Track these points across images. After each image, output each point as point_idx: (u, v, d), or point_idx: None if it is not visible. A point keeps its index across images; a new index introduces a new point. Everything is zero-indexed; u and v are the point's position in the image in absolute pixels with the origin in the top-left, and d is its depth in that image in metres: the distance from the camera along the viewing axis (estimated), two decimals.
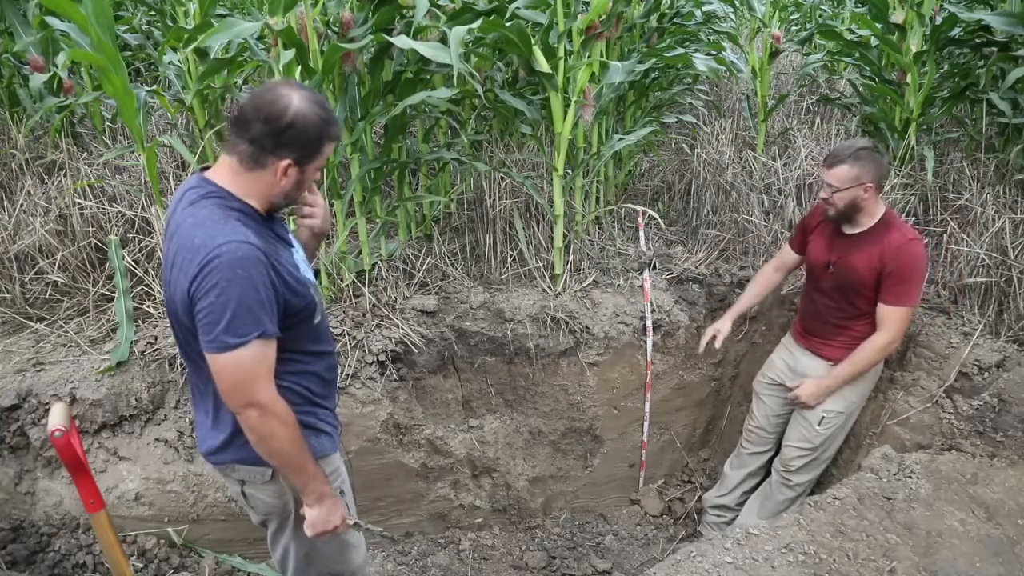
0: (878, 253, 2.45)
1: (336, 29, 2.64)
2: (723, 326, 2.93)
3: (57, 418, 1.81)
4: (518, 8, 2.79)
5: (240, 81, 3.55)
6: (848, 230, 2.57)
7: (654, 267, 3.39)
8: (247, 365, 1.47)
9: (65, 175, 3.27)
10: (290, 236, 1.75)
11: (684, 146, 4.11)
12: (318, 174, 1.65)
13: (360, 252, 3.02)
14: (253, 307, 1.46)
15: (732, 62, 4.05)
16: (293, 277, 1.60)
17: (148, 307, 2.89)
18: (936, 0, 3.26)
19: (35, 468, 2.64)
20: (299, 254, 1.74)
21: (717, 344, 2.91)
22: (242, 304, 1.44)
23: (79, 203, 3.07)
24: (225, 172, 1.56)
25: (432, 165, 3.43)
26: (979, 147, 3.58)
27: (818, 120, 4.33)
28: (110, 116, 3.97)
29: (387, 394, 2.85)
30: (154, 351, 2.70)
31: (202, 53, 2.92)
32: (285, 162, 1.53)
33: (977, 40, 3.45)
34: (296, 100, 1.50)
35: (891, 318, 2.47)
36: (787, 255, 2.89)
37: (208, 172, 1.59)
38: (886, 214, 2.52)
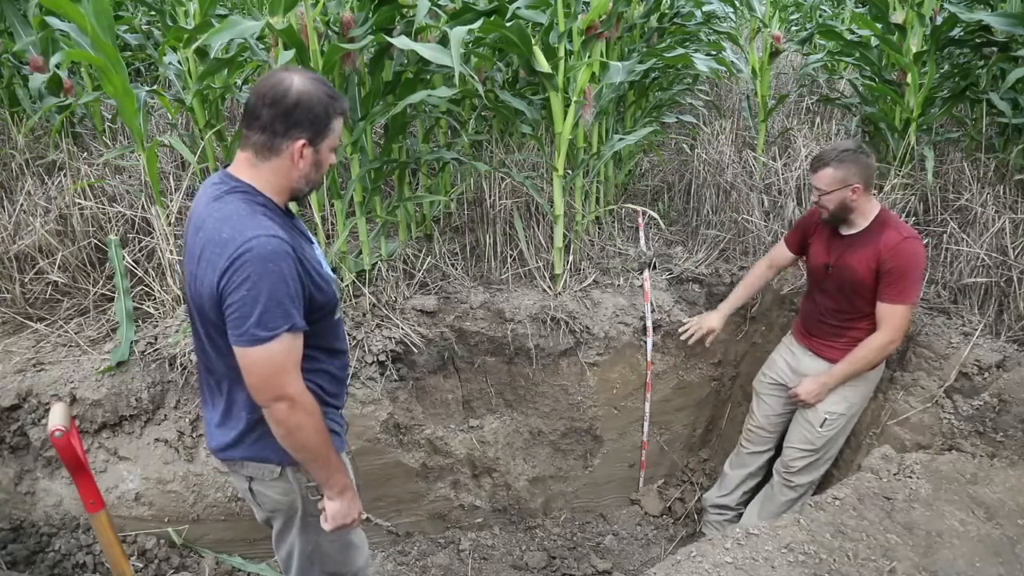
0: (874, 252, 2.46)
1: (336, 29, 2.64)
2: (716, 324, 2.98)
3: (57, 418, 1.81)
4: (518, 8, 2.79)
5: (240, 81, 3.55)
6: (844, 231, 2.59)
7: (654, 267, 3.39)
8: (277, 358, 1.48)
9: (65, 175, 3.27)
10: (309, 232, 1.76)
11: (684, 146, 4.11)
12: (333, 156, 1.65)
13: (360, 252, 3.02)
14: (283, 300, 1.47)
15: (732, 62, 4.05)
16: (317, 272, 1.62)
17: (148, 307, 2.89)
18: (936, 0, 3.26)
19: (35, 468, 2.64)
20: (319, 250, 1.76)
21: (708, 342, 2.94)
22: (272, 298, 1.45)
23: (79, 203, 3.07)
24: (244, 167, 1.58)
25: (432, 165, 3.43)
26: (979, 147, 3.58)
27: (818, 120, 4.33)
28: (110, 116, 3.97)
29: (387, 394, 2.85)
30: (154, 351, 2.70)
31: (202, 53, 2.92)
32: (299, 142, 1.53)
33: (977, 40, 3.45)
34: (297, 80, 1.52)
35: (889, 316, 2.48)
36: (781, 253, 2.89)
37: (230, 168, 1.60)
38: (881, 213, 2.53)
